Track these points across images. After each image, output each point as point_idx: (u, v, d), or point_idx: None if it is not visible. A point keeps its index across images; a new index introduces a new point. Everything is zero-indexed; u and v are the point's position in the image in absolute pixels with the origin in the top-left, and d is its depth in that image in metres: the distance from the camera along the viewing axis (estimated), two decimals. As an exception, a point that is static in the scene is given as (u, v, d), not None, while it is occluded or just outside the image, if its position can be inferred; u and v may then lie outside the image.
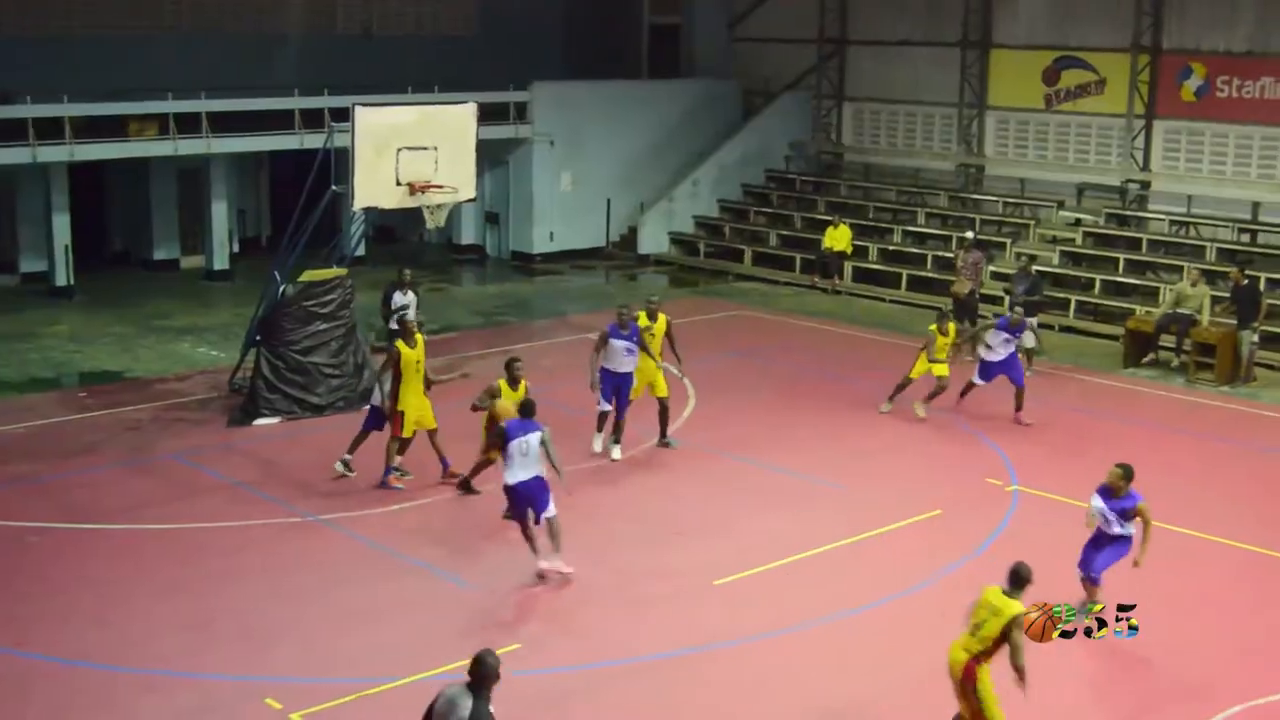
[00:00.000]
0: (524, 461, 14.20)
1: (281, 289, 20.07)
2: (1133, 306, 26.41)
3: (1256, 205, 28.72)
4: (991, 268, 28.17)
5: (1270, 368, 24.05)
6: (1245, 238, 28.46)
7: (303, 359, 19.94)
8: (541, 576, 14.39)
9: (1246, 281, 24.18)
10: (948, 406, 20.67)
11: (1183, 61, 29.99)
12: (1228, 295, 24.31)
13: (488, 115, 24.69)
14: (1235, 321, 23.69)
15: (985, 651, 10.29)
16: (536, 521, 14.34)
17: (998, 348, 20.55)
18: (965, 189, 33.22)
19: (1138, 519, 13.26)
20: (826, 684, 12.44)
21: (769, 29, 36.70)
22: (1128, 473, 13.16)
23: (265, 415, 19.66)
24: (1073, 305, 27.47)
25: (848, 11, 35.58)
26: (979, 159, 33.42)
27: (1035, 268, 26.39)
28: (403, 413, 16.78)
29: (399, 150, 19.72)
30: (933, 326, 20.83)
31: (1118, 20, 30.70)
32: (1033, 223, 30.93)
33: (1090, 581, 13.29)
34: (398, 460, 17.12)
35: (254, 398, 19.81)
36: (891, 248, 31.56)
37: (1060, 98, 32.10)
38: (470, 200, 21.88)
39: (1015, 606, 10.08)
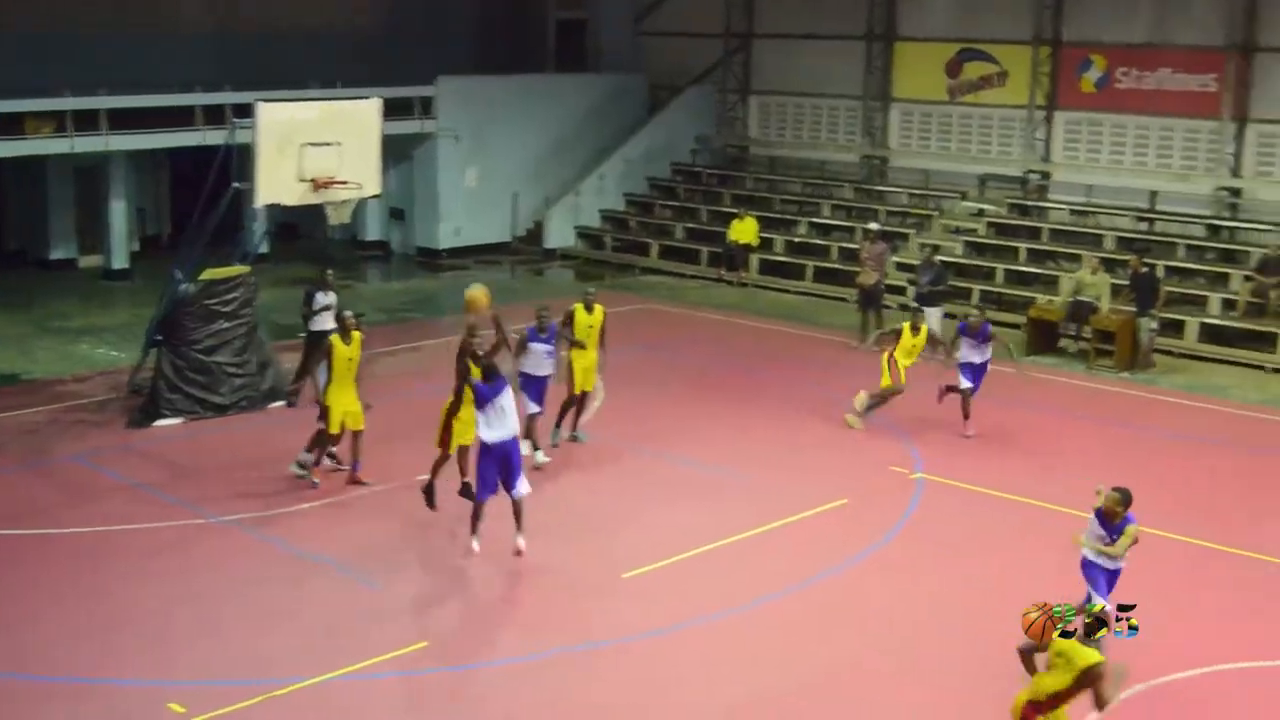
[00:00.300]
0: (500, 419, 14.40)
1: (183, 287, 19.78)
2: (1034, 295, 26.76)
3: (1154, 194, 29.22)
4: (896, 258, 28.40)
5: (1168, 354, 24.48)
6: (1144, 226, 28.95)
7: (205, 358, 19.68)
8: (469, 553, 14.55)
9: (1145, 269, 24.60)
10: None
11: (1083, 53, 30.45)
12: (1127, 283, 24.71)
13: (392, 110, 24.47)
14: (1134, 309, 24.10)
15: (1054, 696, 9.70)
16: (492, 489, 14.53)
17: (971, 353, 19.81)
18: (870, 181, 33.48)
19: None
20: (734, 677, 12.45)
21: (675, 23, 36.74)
22: (1125, 497, 12.39)
23: (166, 416, 19.36)
24: (976, 294, 27.75)
25: (753, 5, 35.73)
26: (883, 151, 33.70)
27: (939, 258, 26.65)
28: (330, 408, 16.65)
29: (302, 146, 19.51)
30: (905, 324, 20.15)
31: (1019, 13, 31.09)
32: (936, 213, 31.25)
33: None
34: (308, 456, 17.02)
35: (155, 398, 19.52)
36: (797, 240, 31.73)
37: (963, 90, 32.46)
38: (375, 196, 21.72)
39: (1091, 655, 9.54)
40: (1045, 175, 31.12)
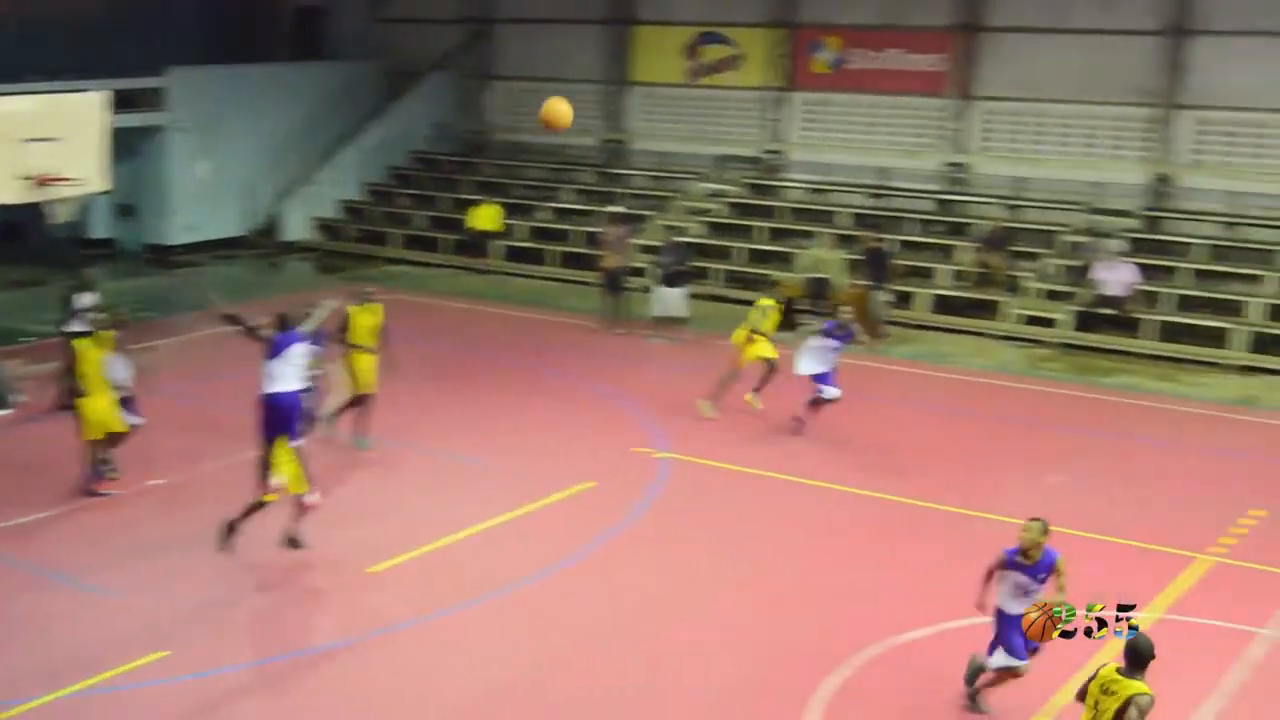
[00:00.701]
0: (287, 372, 14.12)
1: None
2: (774, 273, 27.29)
3: (886, 171, 30.12)
4: (639, 240, 28.62)
5: (901, 325, 25.27)
6: (876, 202, 29.80)
7: (-83, 368, 18.74)
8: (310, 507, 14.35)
9: (877, 245, 25.35)
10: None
11: (817, 35, 31.15)
12: (861, 258, 25.42)
13: (120, 103, 23.66)
14: (868, 283, 24.80)
15: None
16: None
17: (822, 354, 18.82)
18: (611, 164, 33.70)
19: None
20: (491, 661, 12.41)
21: (414, 9, 36.32)
22: (1045, 527, 11.03)
23: None
24: (717, 274, 28.23)
25: (493, -10, 35.67)
26: (624, 134, 33.96)
27: (681, 239, 26.99)
28: (85, 415, 15.97)
29: (21, 142, 18.74)
30: (768, 301, 20.08)
31: (756, -5, 31.71)
32: (677, 195, 31.61)
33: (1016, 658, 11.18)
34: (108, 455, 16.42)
35: None
36: (540, 225, 31.76)
37: (702, 72, 32.89)
38: (103, 192, 20.99)
39: (1135, 686, 8.88)
40: (782, 155, 31.78)
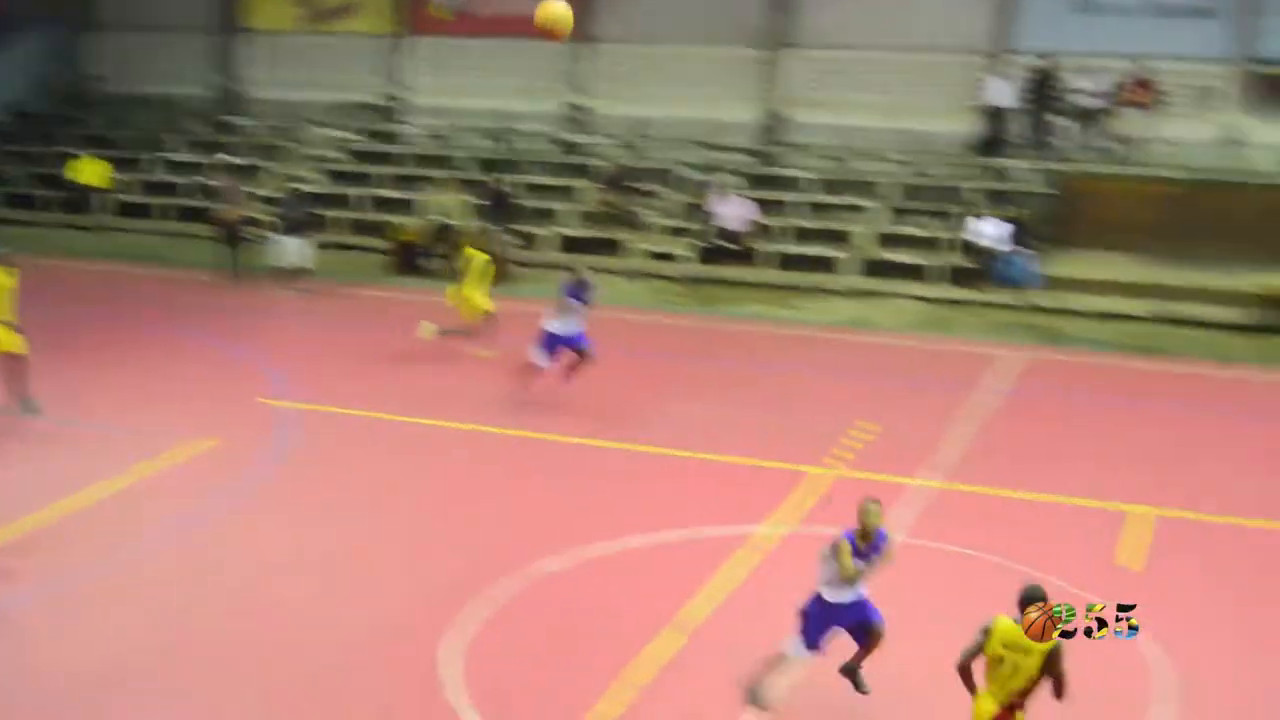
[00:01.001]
0: None
1: None
2: (398, 219, 26.99)
3: (509, 115, 30.10)
4: (261, 191, 27.78)
5: (529, 265, 25.33)
6: (499, 146, 29.77)
7: None
8: None
9: (499, 188, 25.33)
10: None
11: (439, -21, 30.89)
12: (485, 202, 25.37)
13: None
14: (492, 225, 24.78)
15: (1023, 691, 9.09)
16: None
17: (563, 315, 17.57)
18: (226, 114, 32.57)
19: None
20: (115, 632, 11.66)
21: (3, -47, 34.19)
22: (881, 509, 10.32)
23: None
24: (340, 223, 27.67)
25: (88, -68, 33.83)
26: (239, 84, 32.87)
27: (301, 188, 26.33)
28: None
29: None
30: (483, 256, 19.67)
31: (368, -60, 31.12)
32: (296, 144, 30.81)
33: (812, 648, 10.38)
34: None
35: None
36: (151, 179, 30.42)
37: (320, 18, 32.14)
38: None
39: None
40: (404, 101, 31.39)
